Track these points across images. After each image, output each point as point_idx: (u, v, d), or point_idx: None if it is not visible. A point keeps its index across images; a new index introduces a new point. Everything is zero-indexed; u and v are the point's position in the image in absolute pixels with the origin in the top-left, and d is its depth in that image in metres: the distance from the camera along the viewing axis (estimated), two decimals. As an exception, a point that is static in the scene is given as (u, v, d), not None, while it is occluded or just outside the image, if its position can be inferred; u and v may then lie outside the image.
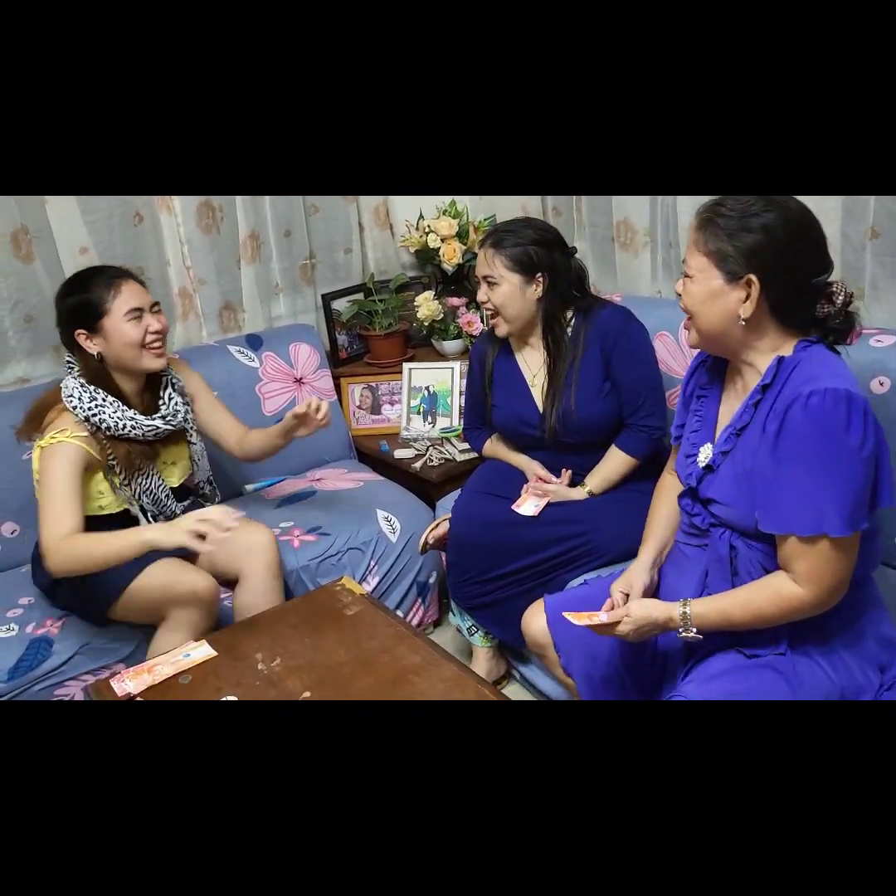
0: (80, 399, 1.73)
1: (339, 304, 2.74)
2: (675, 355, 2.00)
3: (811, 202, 1.85)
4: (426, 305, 2.63)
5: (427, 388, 2.59)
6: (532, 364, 1.95)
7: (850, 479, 1.15)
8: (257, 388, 2.42)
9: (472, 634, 2.02)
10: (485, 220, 2.71)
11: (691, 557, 1.40)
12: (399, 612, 2.18)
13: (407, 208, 2.81)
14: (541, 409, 1.90)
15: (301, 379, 2.51)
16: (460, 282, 2.75)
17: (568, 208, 2.52)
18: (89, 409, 1.73)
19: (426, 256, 2.75)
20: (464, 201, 2.78)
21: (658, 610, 1.30)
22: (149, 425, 1.81)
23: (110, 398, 1.76)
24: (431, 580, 2.26)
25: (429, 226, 2.68)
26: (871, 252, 1.82)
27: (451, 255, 2.65)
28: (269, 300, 2.64)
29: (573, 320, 1.89)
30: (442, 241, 2.65)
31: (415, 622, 2.23)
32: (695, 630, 1.27)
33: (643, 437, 1.85)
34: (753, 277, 1.20)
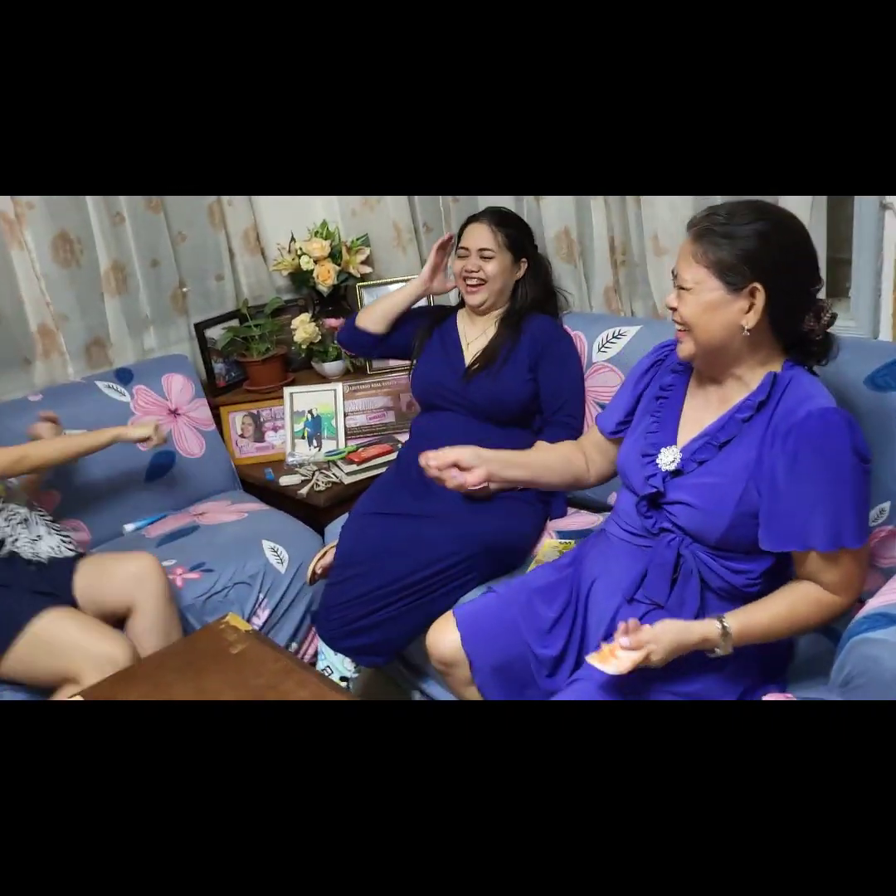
0: None
1: (215, 332, 2.67)
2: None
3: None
4: (303, 328, 2.59)
5: (310, 411, 2.55)
6: (470, 334, 2.08)
7: (863, 494, 1.20)
8: (130, 424, 2.33)
9: (329, 674, 1.92)
10: (357, 239, 2.69)
11: (625, 554, 1.39)
12: (294, 644, 2.13)
13: (277, 231, 2.77)
14: (468, 363, 2.02)
15: (176, 410, 2.42)
16: (337, 302, 2.72)
17: (438, 224, 2.53)
18: None
19: (300, 279, 2.71)
20: (335, 222, 2.76)
21: (691, 632, 1.22)
22: None
23: None
24: (325, 608, 2.21)
25: (300, 248, 2.65)
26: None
27: (325, 276, 2.62)
28: (140, 332, 2.54)
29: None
30: (315, 262, 2.62)
31: (310, 652, 2.17)
32: (731, 648, 1.23)
33: (566, 431, 1.94)
34: (758, 286, 1.20)
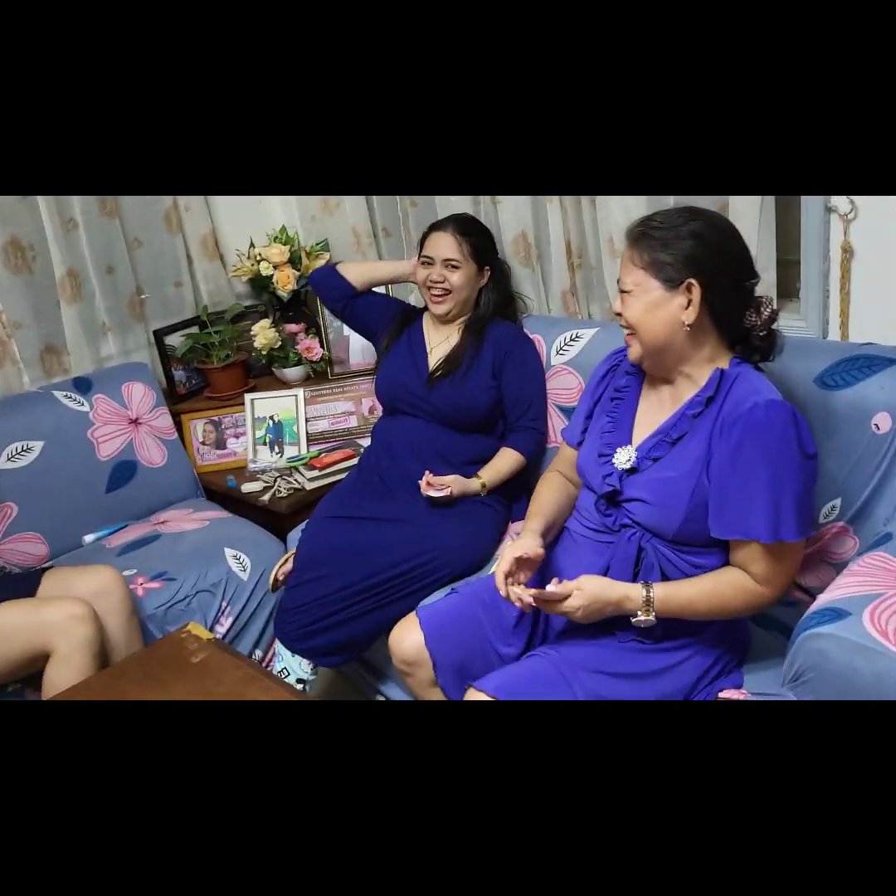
0: None
1: (174, 339, 2.65)
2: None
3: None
4: (263, 334, 2.58)
5: (271, 417, 2.54)
6: (434, 339, 2.07)
7: (805, 489, 1.23)
8: (89, 433, 2.30)
9: (286, 676, 1.92)
10: (316, 244, 2.69)
11: (590, 550, 1.42)
12: (258, 652, 2.12)
13: (236, 237, 2.76)
14: (431, 368, 2.01)
15: (137, 419, 2.40)
16: (297, 308, 2.72)
17: (396, 228, 2.54)
18: None
19: (260, 285, 2.70)
20: (295, 227, 2.76)
21: (614, 588, 1.29)
22: None
23: None
24: (289, 614, 2.20)
25: (260, 253, 2.64)
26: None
27: (285, 282, 2.62)
28: (97, 340, 2.51)
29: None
30: (274, 268, 2.62)
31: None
32: (654, 615, 1.27)
33: (530, 437, 1.98)
34: (693, 281, 1.26)
